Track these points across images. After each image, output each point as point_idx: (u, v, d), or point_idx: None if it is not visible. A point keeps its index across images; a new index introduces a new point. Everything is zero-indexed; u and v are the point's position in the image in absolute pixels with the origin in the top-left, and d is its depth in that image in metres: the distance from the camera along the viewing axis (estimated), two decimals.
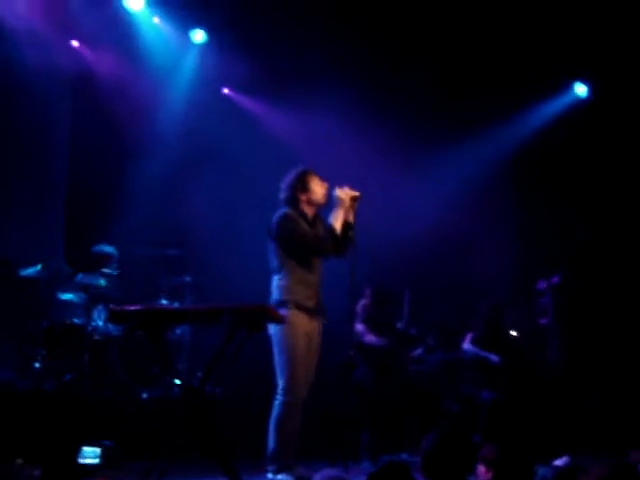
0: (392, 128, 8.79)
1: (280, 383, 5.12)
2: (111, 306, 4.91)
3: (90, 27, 8.00)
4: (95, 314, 7.21)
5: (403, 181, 8.90)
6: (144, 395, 7.10)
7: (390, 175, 8.80)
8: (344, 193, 5.35)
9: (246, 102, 9.36)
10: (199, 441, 4.17)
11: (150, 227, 8.22)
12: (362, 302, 7.34)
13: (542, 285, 7.81)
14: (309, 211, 5.36)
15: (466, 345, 7.60)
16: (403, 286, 7.72)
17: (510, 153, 9.49)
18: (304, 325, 5.17)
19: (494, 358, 7.41)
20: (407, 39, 8.62)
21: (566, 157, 9.28)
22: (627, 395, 8.00)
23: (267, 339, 5.16)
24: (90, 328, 7.01)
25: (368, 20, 8.46)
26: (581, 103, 9.58)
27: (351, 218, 5.39)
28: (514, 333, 7.93)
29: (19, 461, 4.82)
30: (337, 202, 5.34)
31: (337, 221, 5.31)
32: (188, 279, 7.99)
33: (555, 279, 7.71)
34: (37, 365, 6.78)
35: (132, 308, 4.35)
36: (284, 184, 5.39)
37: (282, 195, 5.38)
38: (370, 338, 7.23)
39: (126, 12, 8.37)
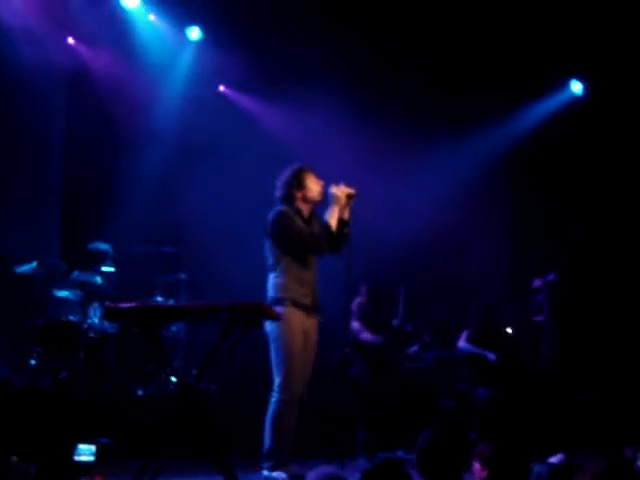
0: (388, 126, 8.81)
1: (276, 380, 5.12)
2: (106, 303, 4.90)
3: (86, 24, 8.01)
4: (91, 311, 7.20)
5: (399, 179, 8.91)
6: (140, 392, 7.09)
7: (386, 173, 8.81)
8: (340, 190, 5.34)
9: (242, 99, 9.35)
10: (194, 438, 4.16)
11: (145, 224, 8.22)
12: (358, 300, 7.35)
13: (538, 283, 7.82)
14: (305, 208, 5.35)
15: (462, 343, 7.60)
16: (399, 283, 7.73)
17: (506, 151, 9.48)
18: (301, 322, 5.17)
19: (491, 356, 7.41)
20: (403, 38, 8.62)
21: (562, 155, 9.28)
22: (622, 392, 8.03)
23: (263, 336, 5.16)
24: (86, 325, 7.01)
25: (364, 19, 8.46)
26: (577, 101, 9.56)
27: (347, 215, 5.38)
28: (509, 330, 7.95)
29: (14, 458, 4.80)
30: (333, 199, 5.32)
31: (333, 218, 5.31)
32: (183, 276, 7.99)
33: (551, 276, 7.71)
34: (33, 362, 6.77)
35: (127, 305, 4.32)
36: (280, 181, 5.38)
37: (278, 193, 5.38)
38: (366, 335, 7.23)
39: (122, 9, 8.36)
